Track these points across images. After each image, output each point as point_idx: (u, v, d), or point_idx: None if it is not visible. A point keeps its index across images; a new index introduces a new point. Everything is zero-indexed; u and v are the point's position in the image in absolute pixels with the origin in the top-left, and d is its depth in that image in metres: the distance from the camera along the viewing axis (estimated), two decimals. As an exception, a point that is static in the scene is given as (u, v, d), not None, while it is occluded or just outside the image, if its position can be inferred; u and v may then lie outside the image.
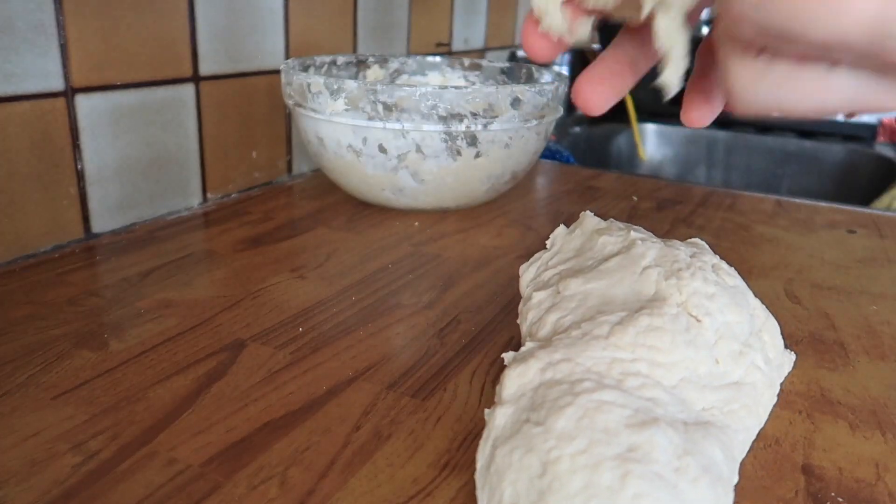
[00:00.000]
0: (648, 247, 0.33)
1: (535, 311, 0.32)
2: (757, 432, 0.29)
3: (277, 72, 0.65)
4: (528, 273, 0.36)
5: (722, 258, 0.35)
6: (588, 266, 0.33)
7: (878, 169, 1.17)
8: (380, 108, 0.52)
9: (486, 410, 0.26)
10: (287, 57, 0.66)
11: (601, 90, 0.31)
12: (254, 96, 0.63)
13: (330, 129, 0.55)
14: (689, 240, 0.36)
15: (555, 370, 0.26)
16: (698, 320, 0.29)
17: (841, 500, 0.27)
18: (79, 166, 0.50)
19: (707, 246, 0.35)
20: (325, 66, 0.65)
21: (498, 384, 0.27)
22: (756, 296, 0.33)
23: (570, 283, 0.31)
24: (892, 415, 0.33)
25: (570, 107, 1.29)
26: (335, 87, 0.53)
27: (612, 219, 0.38)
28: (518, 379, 0.26)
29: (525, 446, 0.23)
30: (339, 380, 0.34)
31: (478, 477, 0.24)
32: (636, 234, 0.35)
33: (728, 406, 0.27)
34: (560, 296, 0.31)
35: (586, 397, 0.24)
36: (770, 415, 0.32)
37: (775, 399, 0.30)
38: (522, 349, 0.29)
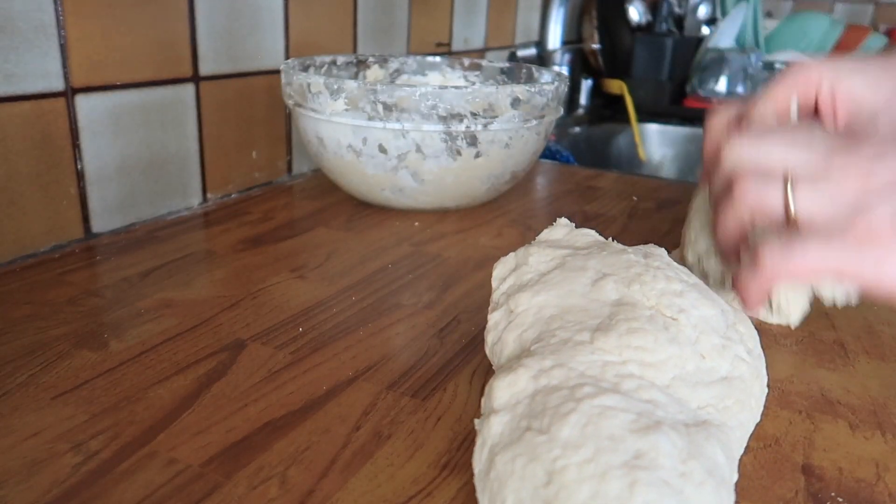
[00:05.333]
0: (585, 258, 0.32)
1: (494, 333, 0.31)
2: (753, 427, 0.29)
3: (277, 72, 0.65)
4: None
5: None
6: (529, 280, 0.32)
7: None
8: (380, 108, 0.52)
9: (476, 420, 0.26)
10: (287, 57, 0.66)
11: None
12: (254, 96, 0.63)
13: (330, 129, 0.55)
14: (646, 245, 0.35)
15: (549, 376, 0.25)
16: (674, 319, 0.28)
17: (841, 500, 0.27)
18: (79, 166, 0.50)
19: (664, 251, 0.34)
20: (325, 66, 0.65)
21: (483, 396, 0.27)
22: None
23: (519, 298, 0.31)
24: (892, 415, 0.33)
25: (570, 107, 1.29)
26: (335, 87, 0.53)
27: (562, 219, 0.38)
28: (509, 388, 0.25)
29: (528, 454, 0.22)
30: (339, 380, 0.34)
31: (477, 481, 0.24)
32: (583, 238, 0.35)
33: (722, 403, 0.27)
34: (513, 313, 0.31)
35: (588, 403, 0.24)
36: (769, 414, 0.32)
37: (766, 390, 0.30)
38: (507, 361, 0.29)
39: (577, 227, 0.38)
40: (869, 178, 0.30)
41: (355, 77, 0.68)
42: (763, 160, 0.33)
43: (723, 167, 0.34)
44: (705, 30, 1.46)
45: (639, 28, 1.36)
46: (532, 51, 1.21)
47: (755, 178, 0.32)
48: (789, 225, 0.31)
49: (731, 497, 0.23)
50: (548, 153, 0.92)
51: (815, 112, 0.37)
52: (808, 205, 0.31)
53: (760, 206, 0.32)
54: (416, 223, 0.57)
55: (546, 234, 0.37)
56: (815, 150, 0.32)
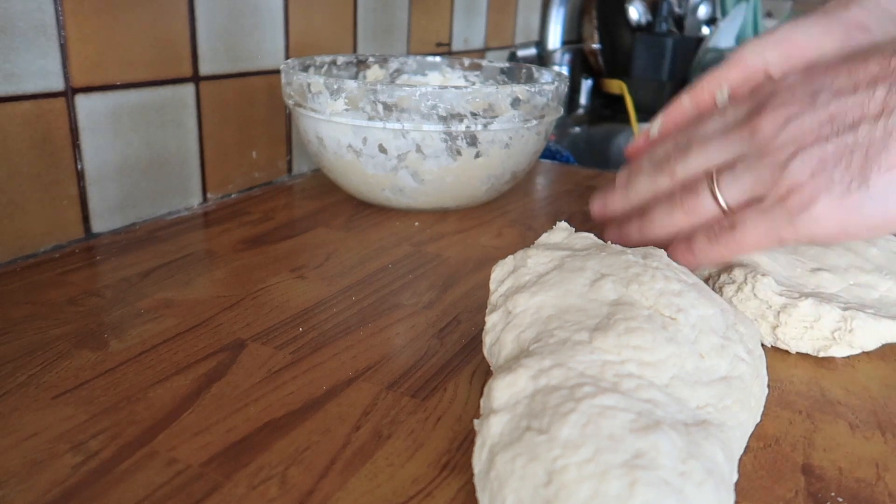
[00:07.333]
0: (584, 259, 0.32)
1: (492, 335, 0.31)
2: (753, 427, 0.29)
3: (277, 72, 0.65)
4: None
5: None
6: (527, 281, 0.32)
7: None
8: (380, 108, 0.52)
9: (476, 421, 0.26)
10: (287, 57, 0.66)
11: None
12: (254, 96, 0.63)
13: (330, 129, 0.55)
14: (645, 247, 0.35)
15: (548, 376, 0.25)
16: (673, 318, 0.28)
17: (841, 500, 0.27)
18: (79, 166, 0.50)
19: (663, 252, 0.34)
20: (325, 66, 0.65)
21: (483, 397, 0.27)
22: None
23: (517, 299, 0.31)
24: (892, 415, 0.33)
25: (570, 107, 1.29)
26: (335, 87, 0.53)
27: (562, 223, 0.38)
28: (508, 388, 0.25)
29: (528, 454, 0.22)
30: (339, 380, 0.34)
31: (477, 481, 0.24)
32: (582, 241, 0.35)
33: (722, 402, 0.27)
34: (511, 314, 0.31)
35: (588, 402, 0.24)
36: (769, 414, 0.32)
37: (766, 391, 0.30)
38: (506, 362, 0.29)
39: (577, 227, 0.38)
40: (776, 145, 0.33)
41: (355, 77, 0.68)
42: (689, 171, 0.37)
43: (657, 180, 0.39)
44: (705, 30, 1.46)
45: (639, 28, 1.36)
46: (532, 51, 1.21)
47: (686, 189, 0.37)
48: (727, 215, 0.36)
49: (731, 497, 0.23)
50: (548, 153, 0.92)
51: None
52: (733, 193, 0.35)
53: (696, 210, 0.36)
54: (416, 223, 0.57)
55: (545, 238, 0.37)
56: (730, 139, 0.36)
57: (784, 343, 0.37)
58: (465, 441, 0.29)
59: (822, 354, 0.37)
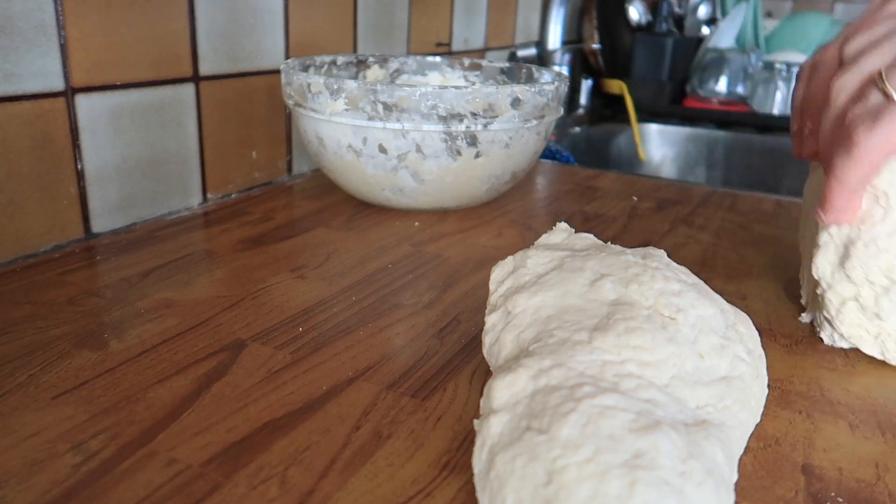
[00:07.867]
0: (583, 259, 0.32)
1: (491, 335, 0.31)
2: (753, 426, 0.29)
3: (277, 72, 0.65)
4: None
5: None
6: (527, 282, 0.32)
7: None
8: (380, 108, 0.52)
9: (476, 421, 0.26)
10: (287, 57, 0.66)
11: None
12: (254, 96, 0.63)
13: (330, 129, 0.55)
14: (645, 248, 0.35)
15: (549, 376, 0.25)
16: (672, 318, 0.28)
17: (841, 500, 0.27)
18: (79, 166, 0.50)
19: (663, 253, 0.34)
20: (325, 66, 0.65)
21: (483, 397, 0.27)
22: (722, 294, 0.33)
23: (516, 299, 0.31)
24: (892, 415, 0.33)
25: (570, 107, 1.29)
26: (335, 87, 0.53)
27: (562, 224, 0.38)
28: (508, 388, 0.25)
29: (528, 454, 0.22)
30: (339, 380, 0.34)
31: (477, 481, 0.24)
32: (582, 241, 0.35)
33: (722, 402, 0.27)
34: (511, 314, 0.31)
35: (588, 402, 0.24)
36: (769, 414, 0.32)
37: (766, 391, 0.30)
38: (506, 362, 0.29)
39: (577, 227, 0.38)
40: None
41: (355, 77, 0.68)
42: (859, 77, 0.34)
43: (834, 103, 0.36)
44: (705, 30, 1.46)
45: (639, 28, 1.36)
46: (532, 51, 1.21)
47: (854, 100, 0.34)
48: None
49: (731, 496, 0.23)
50: (548, 153, 0.92)
51: None
52: None
53: (865, 109, 0.33)
54: (416, 223, 0.57)
55: (545, 238, 0.37)
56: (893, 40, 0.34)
57: (887, 349, 0.37)
58: (465, 441, 0.29)
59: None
